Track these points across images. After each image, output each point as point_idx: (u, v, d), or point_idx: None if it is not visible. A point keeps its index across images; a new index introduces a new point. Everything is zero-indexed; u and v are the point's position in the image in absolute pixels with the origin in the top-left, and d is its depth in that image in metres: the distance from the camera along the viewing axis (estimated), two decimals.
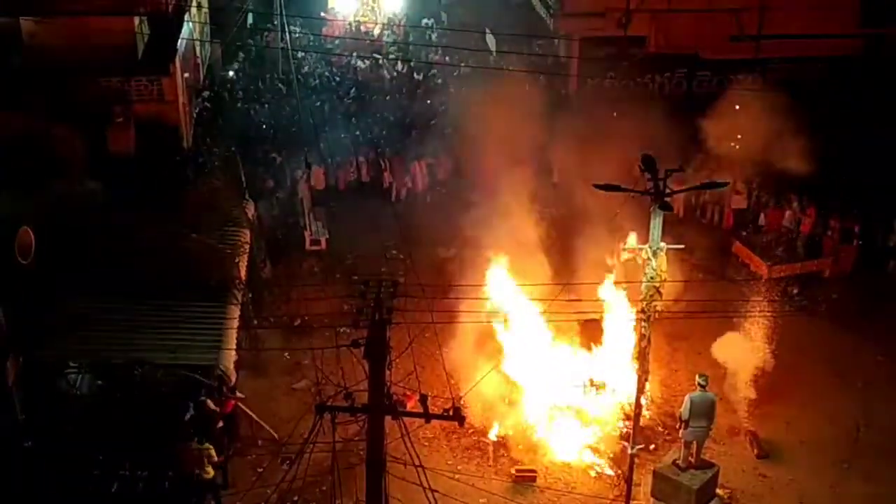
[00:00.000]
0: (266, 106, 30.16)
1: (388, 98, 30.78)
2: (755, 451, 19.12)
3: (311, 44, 34.60)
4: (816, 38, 30.73)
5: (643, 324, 16.92)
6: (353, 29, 35.96)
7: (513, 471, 18.56)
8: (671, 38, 30.02)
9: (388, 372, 12.26)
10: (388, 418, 12.45)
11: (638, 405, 17.71)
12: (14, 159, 19.56)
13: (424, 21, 36.69)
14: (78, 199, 20.05)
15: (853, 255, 24.62)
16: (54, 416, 15.48)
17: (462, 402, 13.58)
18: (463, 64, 31.65)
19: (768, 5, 29.90)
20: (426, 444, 18.60)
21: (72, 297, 16.86)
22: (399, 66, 33.00)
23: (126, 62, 22.13)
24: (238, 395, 18.49)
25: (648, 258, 16.49)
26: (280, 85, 31.38)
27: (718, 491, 18.00)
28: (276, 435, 18.45)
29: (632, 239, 17.81)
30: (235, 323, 17.61)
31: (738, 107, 30.25)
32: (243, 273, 18.89)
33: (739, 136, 28.71)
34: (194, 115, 25.48)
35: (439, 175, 27.37)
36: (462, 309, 18.95)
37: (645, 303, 16.73)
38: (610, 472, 18.74)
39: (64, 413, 15.78)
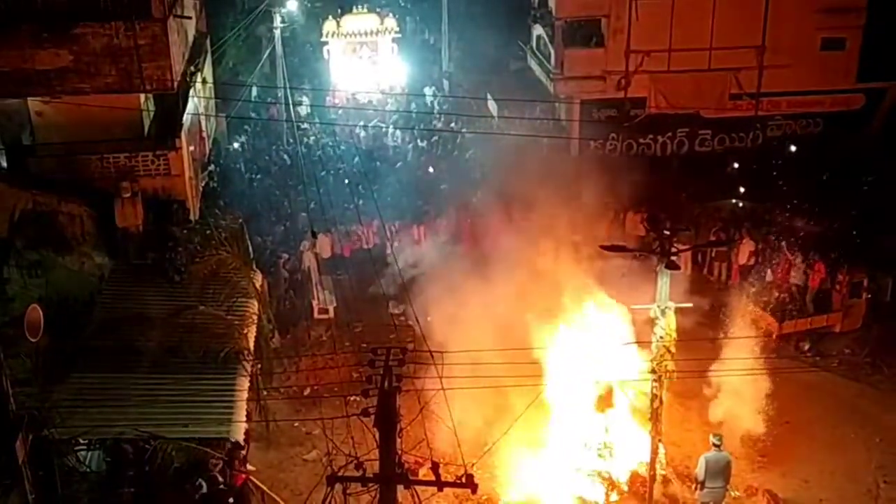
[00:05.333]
0: (272, 177, 30.45)
1: (398, 165, 31.06)
2: None
3: (313, 114, 34.98)
4: (815, 94, 31.04)
5: (654, 384, 16.85)
6: (357, 99, 36.40)
7: None
8: (671, 98, 30.30)
9: (398, 440, 12.18)
10: (400, 487, 12.34)
11: (652, 467, 17.55)
12: (24, 236, 19.73)
13: (426, 89, 37.14)
14: (86, 274, 20.16)
15: (863, 309, 24.50)
16: (65, 494, 15.35)
17: (475, 469, 13.49)
18: (465, 130, 31.95)
19: (767, 64, 30.22)
20: None
21: (80, 372, 16.84)
22: (399, 134, 33.31)
23: (133, 138, 22.40)
24: (249, 467, 18.34)
25: (657, 317, 16.48)
26: (285, 156, 31.70)
27: None
28: None
29: None
30: (245, 394, 17.54)
31: (736, 165, 30.64)
32: (252, 344, 18.87)
33: (743, 191, 28.97)
34: (201, 188, 25.70)
35: (443, 240, 27.41)
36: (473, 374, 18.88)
37: (655, 363, 16.68)
38: None
39: (75, 491, 15.65)
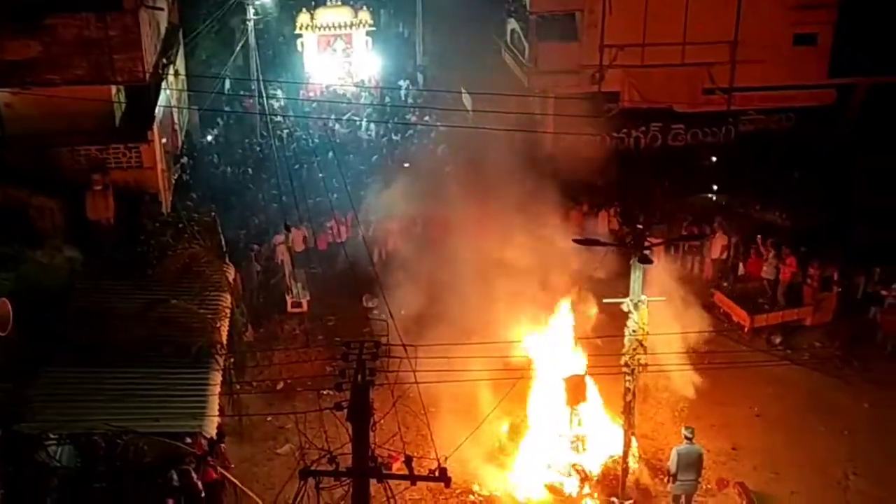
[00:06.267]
0: (248, 170, 30.32)
1: (375, 158, 30.97)
2: (745, 503, 18.98)
3: (287, 107, 34.86)
4: (787, 89, 31.23)
5: (627, 378, 16.92)
6: (331, 92, 36.30)
7: None
8: (645, 93, 30.41)
9: (372, 434, 12.17)
10: (373, 481, 12.34)
11: (625, 460, 17.64)
12: None
13: (400, 82, 37.07)
14: (57, 268, 19.97)
15: (834, 303, 24.72)
16: (35, 489, 15.23)
17: (448, 463, 13.53)
18: (439, 124, 31.90)
19: (739, 59, 30.37)
20: None
21: (51, 367, 16.70)
22: (374, 128, 33.25)
23: (104, 130, 22.21)
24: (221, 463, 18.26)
25: (630, 311, 16.55)
26: (258, 149, 31.55)
27: None
28: (260, 502, 18.20)
29: None
30: (218, 388, 17.46)
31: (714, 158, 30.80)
32: (225, 337, 18.79)
33: (716, 188, 29.15)
34: (173, 181, 25.53)
35: (416, 234, 27.38)
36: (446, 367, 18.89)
37: (628, 356, 16.75)
38: None
39: (45, 486, 15.53)
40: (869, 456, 20.11)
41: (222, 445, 18.49)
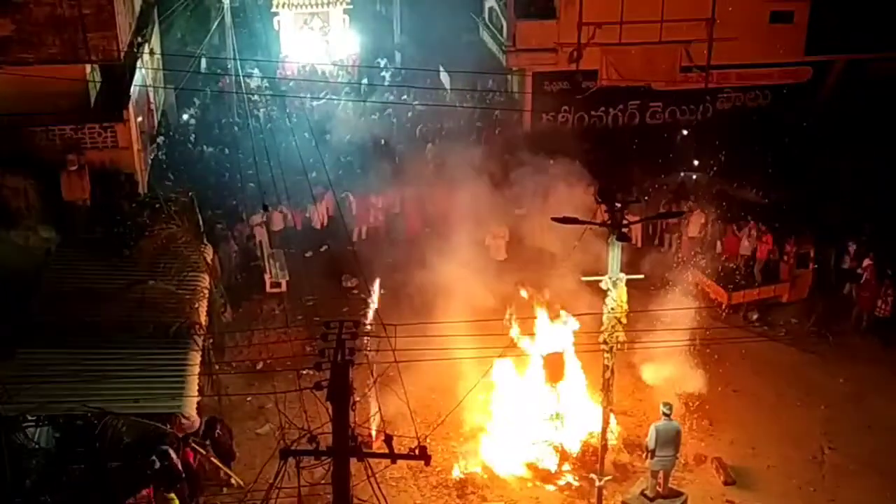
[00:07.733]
0: (225, 150, 30.11)
1: (348, 138, 30.82)
2: (722, 478, 19.15)
3: (266, 87, 34.61)
4: (764, 66, 31.30)
5: (606, 355, 16.98)
6: (308, 70, 36.04)
7: None
8: (623, 71, 30.38)
9: (351, 413, 12.18)
10: (353, 460, 12.36)
11: (604, 437, 17.72)
12: None
13: (378, 61, 36.84)
14: (33, 249, 19.85)
15: (809, 279, 24.88)
16: (13, 471, 15.18)
17: (428, 441, 13.58)
18: (417, 102, 31.78)
19: (716, 36, 30.39)
20: (394, 484, 18.47)
21: (28, 348, 16.60)
22: (351, 106, 33.06)
23: (79, 110, 22.02)
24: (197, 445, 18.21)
25: (608, 289, 16.58)
26: (236, 128, 31.34)
27: None
28: (241, 482, 18.21)
29: None
30: (197, 369, 17.43)
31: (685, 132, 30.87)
32: (203, 318, 18.73)
33: (696, 163, 29.22)
34: (149, 161, 25.35)
35: (394, 212, 27.33)
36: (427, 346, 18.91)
37: (607, 334, 16.80)
38: None
39: (23, 468, 15.48)
40: (844, 430, 20.32)
41: (217, 432, 18.35)
